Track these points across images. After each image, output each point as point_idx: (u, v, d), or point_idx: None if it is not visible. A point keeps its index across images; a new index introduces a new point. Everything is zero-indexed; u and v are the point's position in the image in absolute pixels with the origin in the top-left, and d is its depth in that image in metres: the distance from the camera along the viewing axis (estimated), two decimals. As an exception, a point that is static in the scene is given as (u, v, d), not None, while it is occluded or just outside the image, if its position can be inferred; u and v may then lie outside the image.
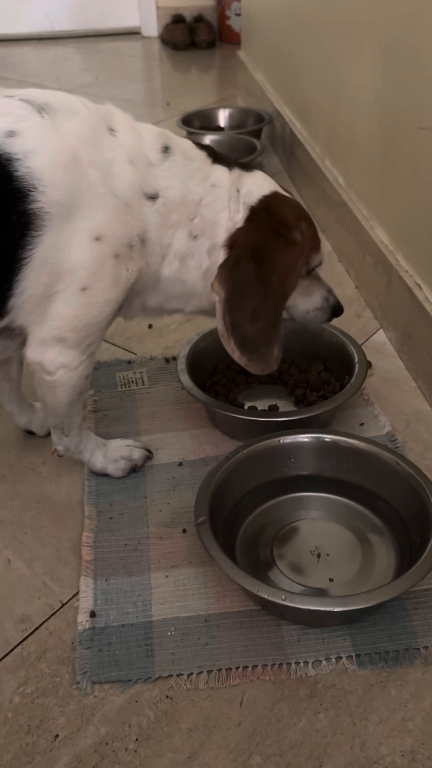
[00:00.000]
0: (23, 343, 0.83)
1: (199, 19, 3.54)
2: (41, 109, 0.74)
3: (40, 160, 0.72)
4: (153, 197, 0.82)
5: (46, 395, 0.87)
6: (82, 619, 0.80)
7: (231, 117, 2.19)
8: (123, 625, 0.79)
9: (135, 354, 1.26)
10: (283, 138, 1.98)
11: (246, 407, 1.09)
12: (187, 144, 0.87)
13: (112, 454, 0.99)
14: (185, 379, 1.05)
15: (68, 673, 0.75)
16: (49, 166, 0.72)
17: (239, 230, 0.86)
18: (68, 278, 0.77)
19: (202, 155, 0.87)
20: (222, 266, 0.85)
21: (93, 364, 0.87)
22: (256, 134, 2.05)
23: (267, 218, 0.87)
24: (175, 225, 0.84)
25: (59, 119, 0.75)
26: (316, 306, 0.98)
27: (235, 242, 0.85)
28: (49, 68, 3.24)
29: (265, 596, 0.73)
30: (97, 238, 0.77)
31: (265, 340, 0.87)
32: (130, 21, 3.74)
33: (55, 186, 0.73)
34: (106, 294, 0.80)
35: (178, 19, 3.55)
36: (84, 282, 0.78)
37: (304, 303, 0.97)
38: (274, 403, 1.10)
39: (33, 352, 0.81)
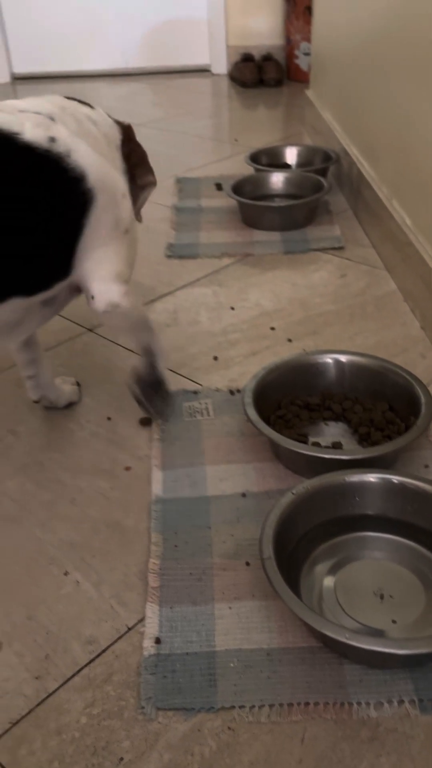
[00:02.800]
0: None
1: (267, 57, 3.63)
2: (52, 118, 0.93)
3: (79, 155, 0.92)
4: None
5: (129, 328, 1.10)
6: (148, 644, 0.82)
7: (298, 155, 2.23)
8: (187, 653, 0.81)
9: (201, 385, 1.29)
10: (350, 177, 2.01)
11: (309, 443, 1.10)
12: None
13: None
14: (251, 412, 1.08)
15: (133, 698, 0.77)
16: (86, 157, 0.94)
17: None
18: (115, 227, 0.99)
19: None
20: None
21: None
22: (323, 172, 2.09)
23: None
24: None
25: (72, 126, 0.96)
26: None
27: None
28: (122, 103, 3.37)
29: (329, 634, 0.74)
30: (124, 195, 1.02)
31: None
32: (200, 59, 3.85)
33: (94, 170, 0.94)
34: (137, 229, 1.08)
35: (247, 58, 3.64)
36: (126, 226, 1.01)
37: None
38: (337, 440, 1.12)
39: (100, 297, 1.00)
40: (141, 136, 1.15)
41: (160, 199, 2.16)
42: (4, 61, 3.81)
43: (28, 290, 0.95)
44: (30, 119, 0.90)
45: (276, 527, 0.86)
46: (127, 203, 1.02)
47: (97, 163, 0.95)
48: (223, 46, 3.77)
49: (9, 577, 0.92)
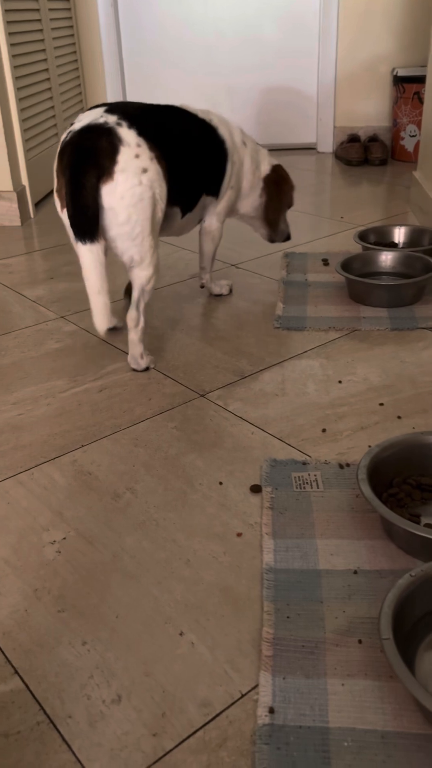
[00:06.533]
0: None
1: (373, 139, 3.74)
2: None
3: (222, 132, 1.81)
4: None
5: (211, 244, 1.93)
6: (261, 713, 0.83)
7: (406, 234, 2.28)
8: (300, 726, 0.82)
9: (309, 456, 1.32)
10: (459, 258, 2.03)
11: (422, 524, 1.10)
12: None
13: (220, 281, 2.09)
14: (366, 489, 1.09)
15: (247, 766, 0.78)
16: (225, 134, 1.84)
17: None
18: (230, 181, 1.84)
19: None
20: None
21: None
22: (431, 253, 2.12)
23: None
24: None
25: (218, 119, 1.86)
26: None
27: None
28: (231, 178, 3.53)
29: (451, 724, 0.73)
30: (242, 163, 1.88)
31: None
32: (307, 138, 4.02)
33: (229, 141, 1.82)
34: None
35: (353, 139, 3.76)
36: (235, 183, 1.86)
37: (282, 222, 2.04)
38: (451, 523, 1.11)
39: (210, 219, 1.87)
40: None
41: (269, 273, 2.25)
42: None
43: (213, 193, 1.79)
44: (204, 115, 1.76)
45: (394, 608, 0.87)
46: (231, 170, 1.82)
47: (229, 138, 1.79)
48: (331, 127, 3.92)
49: (128, 633, 0.95)
